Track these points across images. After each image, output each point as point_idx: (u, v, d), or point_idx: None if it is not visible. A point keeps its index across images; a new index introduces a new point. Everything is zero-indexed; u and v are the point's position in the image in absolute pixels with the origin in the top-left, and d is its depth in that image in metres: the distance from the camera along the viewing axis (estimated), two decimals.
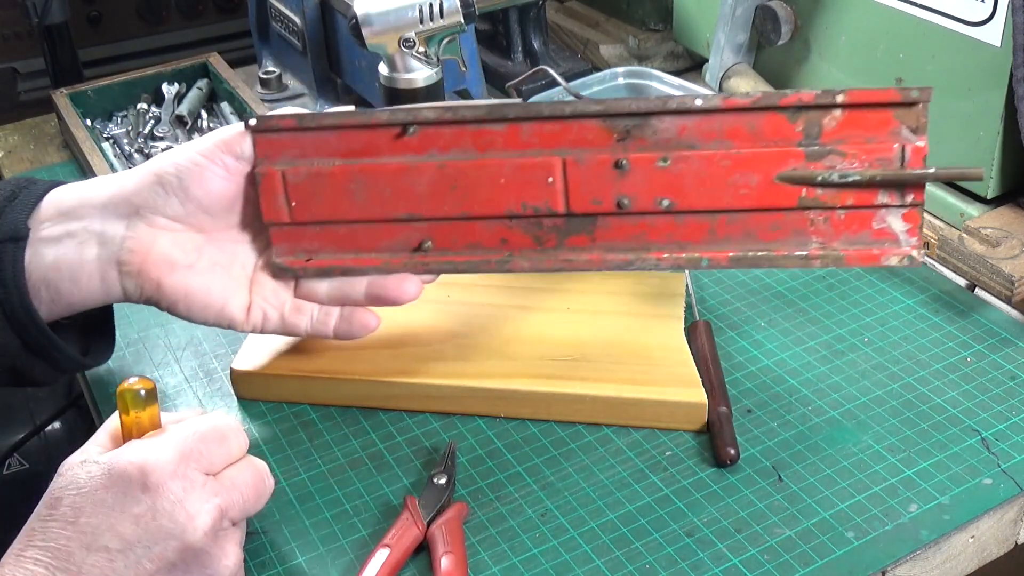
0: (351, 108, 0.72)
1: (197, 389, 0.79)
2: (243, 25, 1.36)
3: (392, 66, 0.90)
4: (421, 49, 0.89)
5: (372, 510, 0.68)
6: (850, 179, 0.65)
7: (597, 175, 0.67)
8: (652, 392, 0.72)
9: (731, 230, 0.68)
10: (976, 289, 0.84)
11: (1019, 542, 0.70)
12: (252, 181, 0.70)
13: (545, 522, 0.67)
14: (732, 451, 0.69)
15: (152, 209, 0.67)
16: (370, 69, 0.96)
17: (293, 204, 0.70)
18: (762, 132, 0.66)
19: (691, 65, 1.19)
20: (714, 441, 0.70)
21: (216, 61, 1.16)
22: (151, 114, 1.12)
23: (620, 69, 1.01)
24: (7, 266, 0.66)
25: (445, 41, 0.91)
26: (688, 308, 0.82)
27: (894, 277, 0.86)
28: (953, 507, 0.66)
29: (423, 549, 0.65)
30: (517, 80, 0.95)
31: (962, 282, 0.85)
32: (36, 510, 0.55)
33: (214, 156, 0.68)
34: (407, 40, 0.88)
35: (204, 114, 1.13)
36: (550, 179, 0.68)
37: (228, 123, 1.10)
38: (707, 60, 1.07)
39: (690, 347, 0.76)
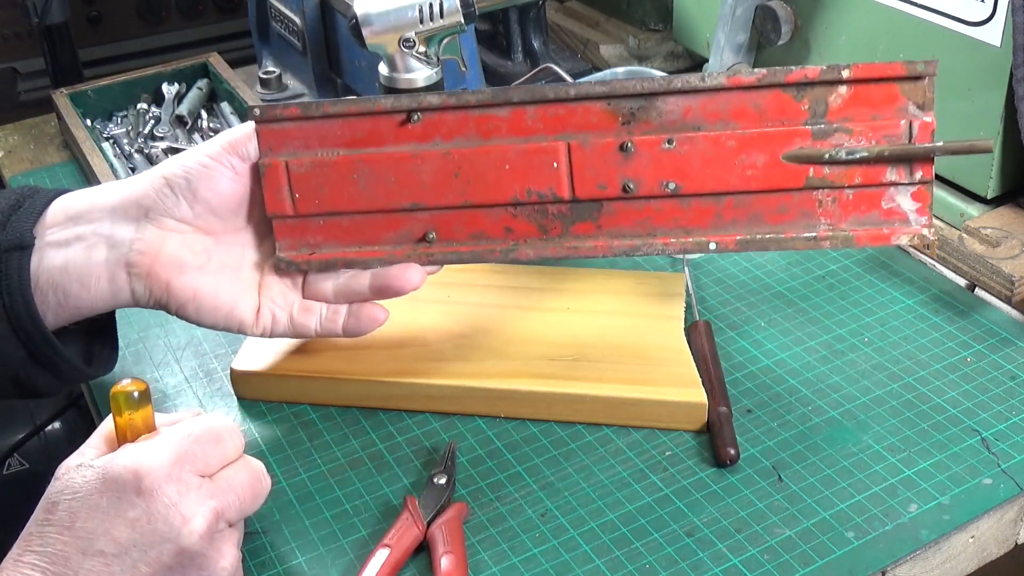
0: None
1: (197, 389, 0.79)
2: (243, 25, 1.36)
3: (392, 66, 0.90)
4: (421, 49, 0.89)
5: (372, 510, 0.68)
6: (858, 155, 0.65)
7: (602, 159, 0.67)
8: (652, 392, 0.72)
9: (738, 213, 0.68)
10: (976, 289, 0.84)
11: (1019, 542, 0.70)
12: (257, 176, 0.70)
13: (545, 522, 0.67)
14: (732, 451, 0.69)
15: (161, 211, 0.68)
16: (370, 69, 0.96)
17: (296, 196, 0.70)
18: (768, 112, 0.66)
19: (691, 65, 1.19)
20: (714, 441, 0.70)
21: (216, 61, 1.16)
22: (151, 114, 1.12)
23: (620, 69, 1.01)
24: (12, 275, 0.65)
25: (445, 41, 0.91)
26: (688, 308, 0.82)
27: (894, 277, 0.86)
28: (953, 507, 0.66)
29: (423, 549, 0.65)
30: (522, 80, 0.95)
31: (962, 282, 0.85)
32: (34, 515, 0.55)
33: (221, 158, 0.68)
34: (407, 40, 0.88)
35: (204, 114, 1.13)
36: (555, 164, 0.68)
37: (228, 123, 1.10)
38: (707, 60, 1.07)
39: (690, 347, 0.76)
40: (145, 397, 0.59)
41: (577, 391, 0.73)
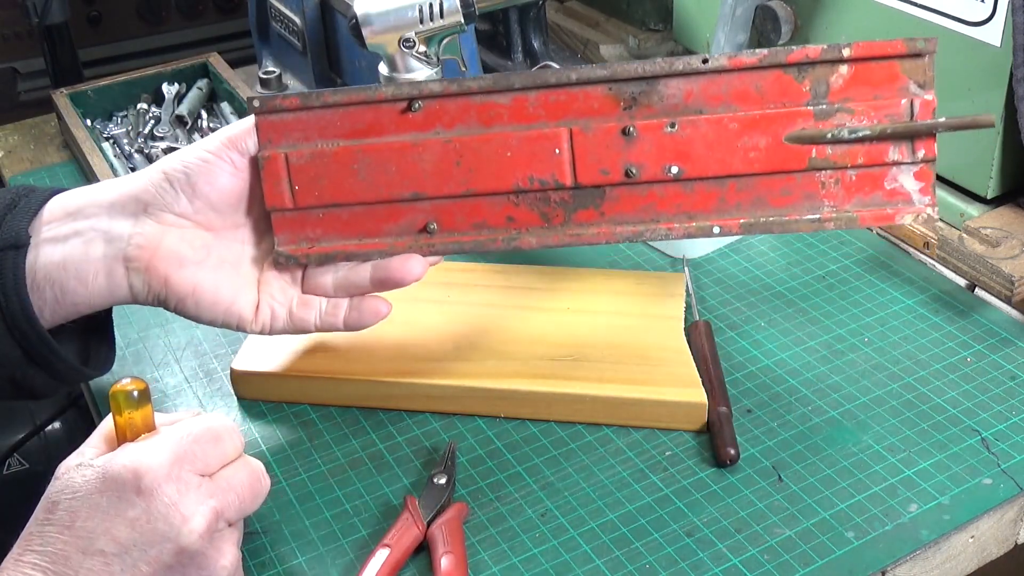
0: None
1: (197, 389, 0.79)
2: (243, 25, 1.36)
3: (392, 66, 0.90)
4: (421, 49, 0.89)
5: (372, 510, 0.68)
6: (860, 134, 0.65)
7: (605, 144, 0.67)
8: (652, 392, 0.72)
9: (741, 196, 0.67)
10: (976, 289, 0.84)
11: (1019, 542, 0.70)
12: (256, 172, 0.69)
13: (545, 522, 0.67)
14: (732, 451, 0.69)
15: (160, 206, 0.67)
16: (370, 69, 0.96)
17: (296, 188, 0.69)
18: (769, 93, 0.66)
19: None
20: (714, 441, 0.70)
21: (216, 61, 1.16)
22: (151, 114, 1.12)
23: None
24: (7, 274, 0.65)
25: (445, 41, 0.91)
26: (688, 308, 0.82)
27: (894, 277, 0.86)
28: (953, 507, 0.66)
29: (423, 549, 0.65)
30: None
31: (962, 282, 0.85)
32: (34, 514, 0.55)
33: (221, 153, 0.68)
34: (407, 40, 0.88)
35: (204, 114, 1.13)
36: (557, 150, 0.68)
37: (228, 123, 1.10)
38: None
39: (690, 347, 0.76)
40: (145, 396, 0.59)
41: (577, 391, 0.73)
